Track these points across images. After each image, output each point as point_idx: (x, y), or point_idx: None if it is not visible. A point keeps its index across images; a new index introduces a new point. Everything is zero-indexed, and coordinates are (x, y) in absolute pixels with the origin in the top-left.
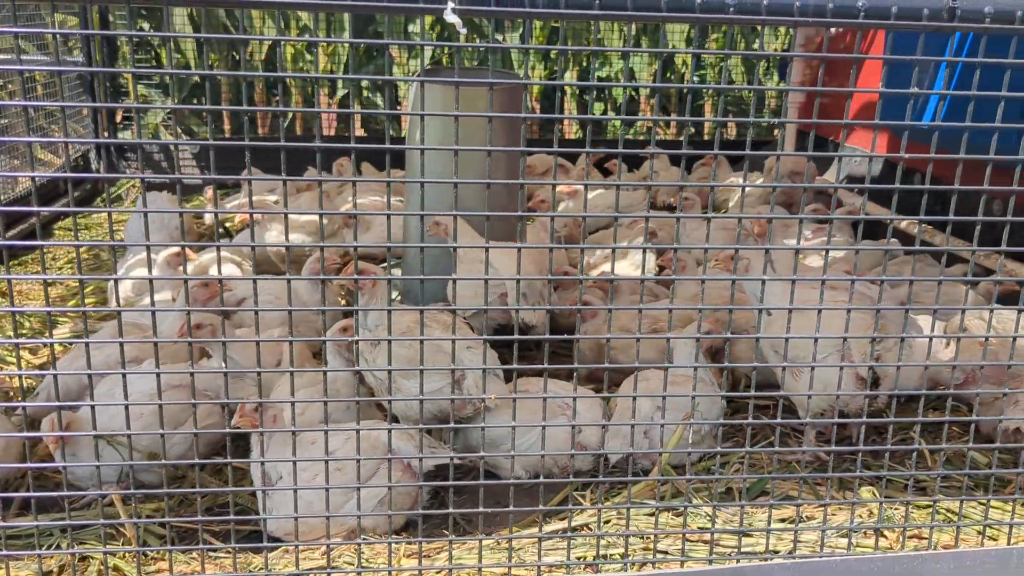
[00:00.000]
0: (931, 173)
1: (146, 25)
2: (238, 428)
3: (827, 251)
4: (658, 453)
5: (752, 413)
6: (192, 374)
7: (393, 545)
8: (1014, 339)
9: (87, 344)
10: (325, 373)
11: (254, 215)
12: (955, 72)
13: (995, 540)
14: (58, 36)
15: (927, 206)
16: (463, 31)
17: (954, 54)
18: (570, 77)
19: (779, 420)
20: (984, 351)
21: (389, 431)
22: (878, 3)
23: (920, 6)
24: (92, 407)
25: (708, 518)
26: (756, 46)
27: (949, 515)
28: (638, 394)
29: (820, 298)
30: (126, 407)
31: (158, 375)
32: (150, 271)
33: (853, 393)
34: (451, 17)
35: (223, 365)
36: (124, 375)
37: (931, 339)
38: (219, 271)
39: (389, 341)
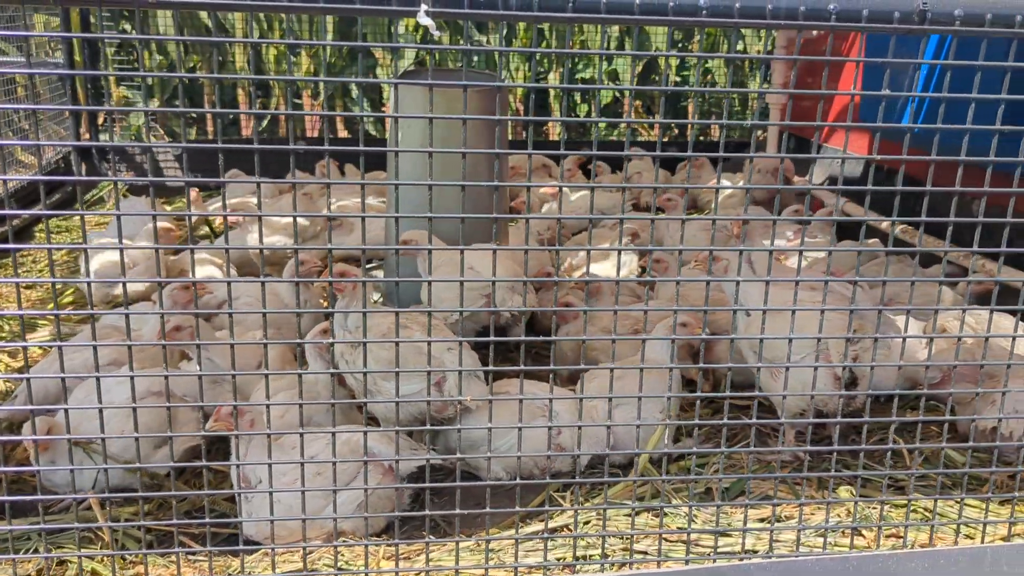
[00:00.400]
0: (903, 173)
1: (128, 26)
2: (213, 432)
3: (800, 252)
4: (636, 453)
5: (728, 413)
6: (166, 377)
7: (372, 548)
8: (986, 339)
9: (60, 348)
10: (300, 376)
11: (233, 217)
12: (934, 74)
13: (972, 539)
14: (31, 38)
15: (909, 207)
16: (437, 33)
17: (935, 56)
18: (554, 78)
19: (755, 420)
20: (957, 351)
21: (364, 433)
22: (849, 6)
23: (891, 9)
24: (66, 411)
25: (687, 518)
26: (740, 48)
27: (927, 514)
28: (615, 395)
29: (794, 299)
30: (100, 411)
31: (132, 379)
32: (124, 273)
33: (829, 393)
34: (424, 19)
35: (203, 368)
36: (98, 379)
37: (904, 339)
38: (193, 273)
39: (364, 344)
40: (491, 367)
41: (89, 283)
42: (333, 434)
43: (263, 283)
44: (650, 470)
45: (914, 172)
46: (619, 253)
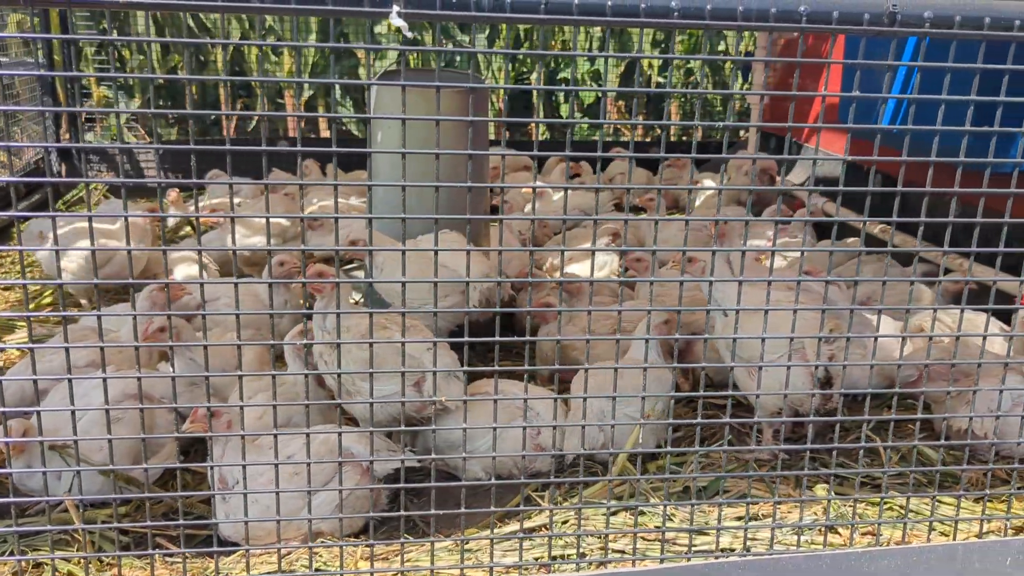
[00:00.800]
0: (879, 172)
1: (108, 26)
2: (189, 433)
3: (773, 252)
4: (617, 452)
5: (702, 412)
6: (139, 379)
7: (350, 548)
8: (957, 338)
9: (32, 351)
10: (274, 377)
11: (212, 218)
12: (911, 75)
13: (946, 536)
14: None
15: (888, 206)
16: (410, 35)
17: (912, 57)
18: (536, 78)
19: (728, 419)
20: (928, 349)
21: (339, 434)
22: (820, 8)
23: (861, 11)
24: (39, 414)
25: (665, 517)
26: (721, 48)
27: (903, 512)
28: (590, 395)
29: (767, 298)
30: (72, 414)
31: (104, 381)
32: (96, 275)
33: (802, 392)
34: (397, 20)
35: (184, 369)
36: (70, 381)
37: (876, 339)
38: (166, 274)
39: (338, 344)
40: (466, 367)
41: (61, 285)
42: (308, 435)
43: (236, 284)
44: (629, 469)
45: (893, 172)
46: (593, 254)
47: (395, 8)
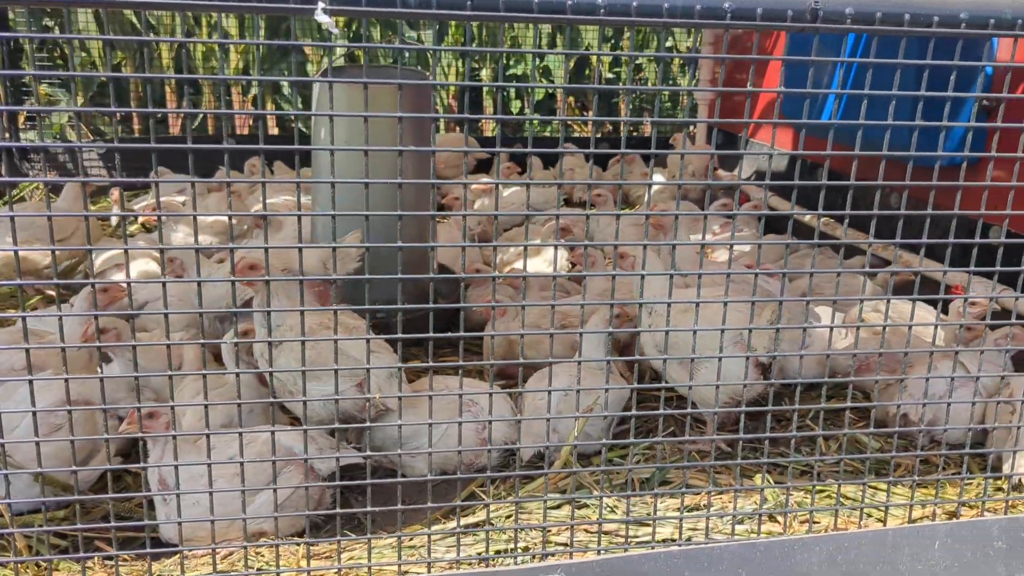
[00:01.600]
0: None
1: (51, 23)
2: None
3: (702, 246)
4: (557, 445)
5: (637, 405)
6: (67, 381)
7: (293, 547)
8: (884, 327)
9: None
10: (205, 376)
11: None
12: (850, 71)
13: (882, 523)
14: None
15: (830, 200)
16: (335, 31)
17: (854, 54)
18: (486, 74)
19: (662, 411)
20: (856, 339)
21: (272, 432)
22: (743, 4)
23: (784, 8)
24: None
25: (609, 509)
26: (669, 45)
27: (844, 500)
28: (541, 388)
29: (697, 292)
30: None
31: (30, 382)
32: (19, 276)
33: (737, 383)
34: (322, 17)
35: (125, 370)
36: None
37: (805, 329)
38: (92, 275)
39: (269, 343)
40: (406, 364)
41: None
42: (241, 434)
43: (164, 283)
44: (573, 463)
45: (835, 166)
46: (525, 250)
47: (320, 4)
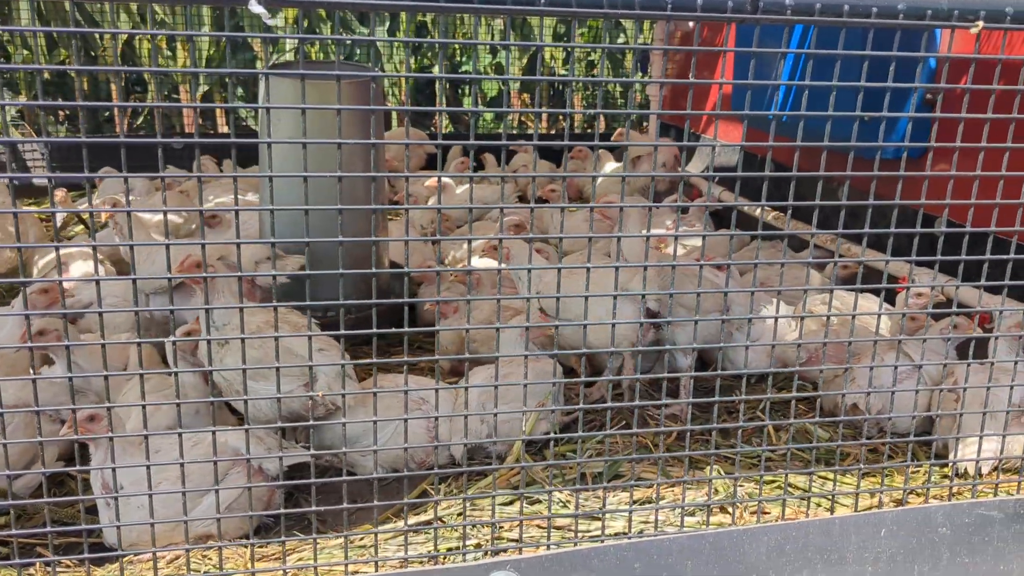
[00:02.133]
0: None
1: None
2: (62, 438)
3: (619, 239)
4: (501, 440)
5: (571, 399)
6: None
7: (241, 549)
8: (801, 318)
9: None
10: (142, 376)
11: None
12: (798, 63)
13: (830, 512)
14: None
15: (777, 193)
16: (270, 22)
17: (799, 44)
18: (439, 71)
19: (582, 406)
20: (801, 330)
21: (213, 432)
22: None
23: None
24: None
25: (561, 504)
26: (621, 40)
27: (792, 489)
28: (473, 384)
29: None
30: None
31: None
32: None
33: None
34: (256, 8)
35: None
36: None
37: (750, 320)
38: (22, 274)
39: (208, 341)
40: (348, 361)
41: None
42: (179, 435)
43: (97, 282)
44: (526, 459)
45: (782, 159)
46: (468, 242)
47: None
